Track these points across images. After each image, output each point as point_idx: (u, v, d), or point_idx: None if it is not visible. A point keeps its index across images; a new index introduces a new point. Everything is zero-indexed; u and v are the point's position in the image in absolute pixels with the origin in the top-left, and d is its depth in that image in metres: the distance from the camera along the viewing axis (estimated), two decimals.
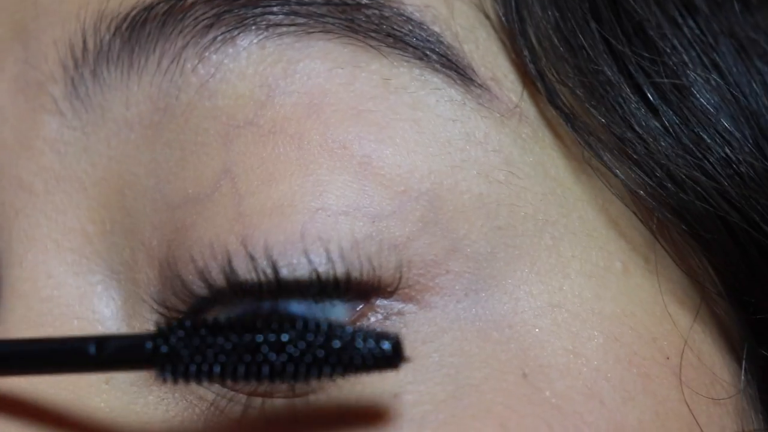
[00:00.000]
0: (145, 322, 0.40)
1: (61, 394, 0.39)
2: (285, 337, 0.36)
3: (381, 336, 0.36)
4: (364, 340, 0.36)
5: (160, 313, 0.40)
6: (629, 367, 0.39)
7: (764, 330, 0.40)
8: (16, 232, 0.41)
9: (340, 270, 0.38)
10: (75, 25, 0.41)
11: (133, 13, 0.40)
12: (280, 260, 0.38)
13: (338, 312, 0.38)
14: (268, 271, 0.38)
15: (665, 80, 0.41)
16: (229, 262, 0.38)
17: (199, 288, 0.39)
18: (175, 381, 0.36)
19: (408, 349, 0.37)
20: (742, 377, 0.40)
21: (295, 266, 0.38)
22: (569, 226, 0.40)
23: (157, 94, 0.40)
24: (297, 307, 0.38)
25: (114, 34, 0.40)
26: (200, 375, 0.36)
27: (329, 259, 0.38)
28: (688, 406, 0.39)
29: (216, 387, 0.39)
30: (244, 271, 0.38)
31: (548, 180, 0.40)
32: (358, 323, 0.38)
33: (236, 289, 0.38)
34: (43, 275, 0.40)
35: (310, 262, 0.38)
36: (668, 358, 0.39)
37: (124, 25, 0.40)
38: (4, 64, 0.42)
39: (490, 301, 0.39)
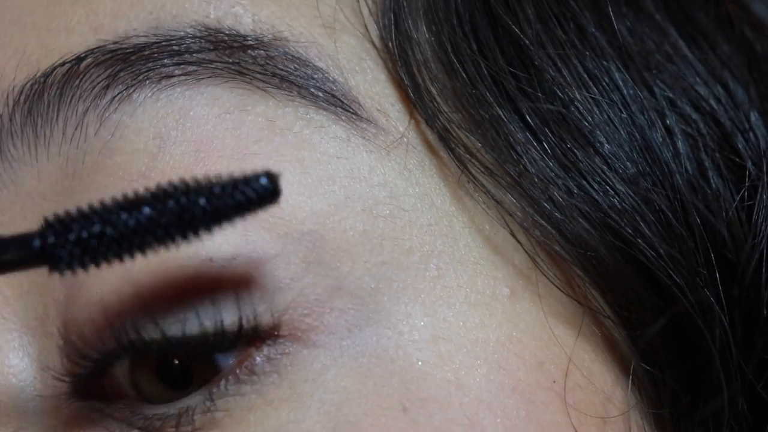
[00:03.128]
0: (57, 374, 0.41)
1: None
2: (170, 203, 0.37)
3: (256, 175, 0.37)
4: (244, 182, 0.37)
5: (68, 367, 0.41)
6: (513, 395, 0.40)
7: (647, 345, 0.41)
8: None
9: (227, 321, 0.39)
10: None
11: (28, 84, 0.42)
12: (169, 319, 0.39)
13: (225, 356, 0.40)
14: (156, 332, 0.39)
15: (543, 103, 0.41)
16: (117, 324, 0.40)
17: (91, 351, 0.40)
18: (70, 269, 0.37)
19: (291, 388, 0.39)
20: (630, 393, 0.41)
21: (183, 323, 0.39)
22: (455, 255, 0.41)
23: (65, 162, 0.41)
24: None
25: (13, 109, 0.42)
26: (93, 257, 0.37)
27: (216, 312, 0.39)
28: (575, 429, 0.40)
29: (114, 427, 0.40)
30: (132, 333, 0.39)
31: (434, 210, 0.41)
32: (243, 363, 0.40)
33: (126, 349, 0.40)
34: None
35: (197, 317, 0.39)
36: (555, 382, 0.40)
37: (21, 98, 0.42)
38: None
39: (374, 337, 0.40)
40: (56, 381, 0.41)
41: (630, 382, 0.41)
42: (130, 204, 0.37)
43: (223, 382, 0.40)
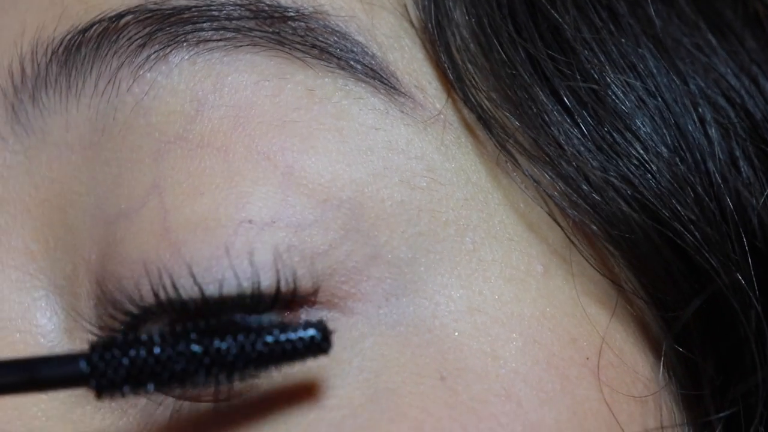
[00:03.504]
0: (86, 333, 0.41)
1: (2, 407, 0.40)
2: (218, 344, 0.37)
3: (308, 325, 0.37)
4: (294, 331, 0.37)
5: (99, 327, 0.41)
6: (548, 369, 0.40)
7: (680, 327, 0.41)
8: None
9: (265, 283, 0.39)
10: (12, 52, 0.42)
11: (68, 37, 0.41)
12: (206, 277, 0.39)
13: (264, 320, 0.40)
14: (194, 290, 0.39)
15: (580, 83, 0.42)
16: (156, 280, 0.39)
17: (130, 306, 0.40)
18: (112, 398, 0.37)
19: (329, 355, 0.38)
20: (661, 374, 0.41)
21: (220, 282, 0.39)
22: (490, 231, 0.41)
23: (96, 115, 0.41)
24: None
25: (51, 59, 0.42)
26: (137, 389, 0.37)
27: (254, 273, 0.39)
28: (608, 405, 0.40)
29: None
30: (171, 289, 0.39)
31: (470, 185, 0.41)
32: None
33: (165, 308, 0.39)
34: None
35: (236, 276, 0.39)
36: (588, 359, 0.40)
37: (60, 50, 0.41)
38: None
39: (410, 306, 0.40)
40: (85, 341, 0.41)
41: (662, 363, 0.41)
42: (179, 336, 0.37)
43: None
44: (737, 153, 0.43)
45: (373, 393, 0.39)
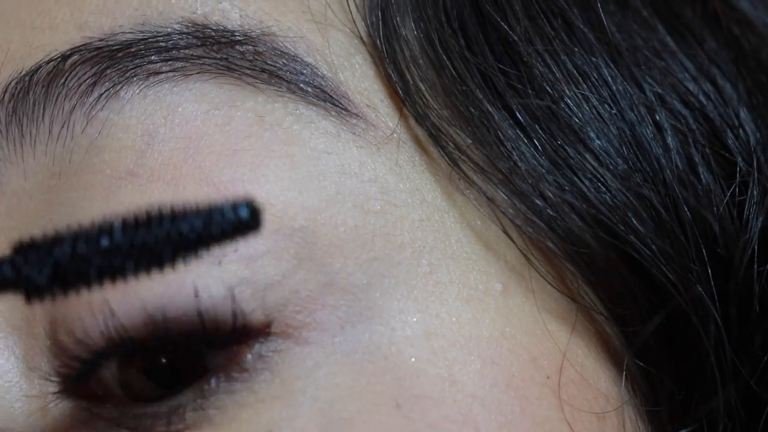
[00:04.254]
0: (44, 374, 0.41)
1: None
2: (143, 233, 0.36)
3: (236, 205, 0.36)
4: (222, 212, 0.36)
5: (56, 372, 0.41)
6: (507, 391, 0.39)
7: (640, 343, 0.41)
8: None
9: (218, 319, 0.39)
10: None
11: (13, 83, 0.41)
12: (157, 315, 0.39)
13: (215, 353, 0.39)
14: (147, 329, 0.39)
15: (532, 99, 0.41)
16: (106, 320, 0.39)
17: (81, 351, 0.40)
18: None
19: (283, 386, 0.38)
20: (623, 389, 0.41)
21: (175, 320, 0.39)
22: (447, 251, 0.41)
23: (52, 161, 0.41)
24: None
25: None
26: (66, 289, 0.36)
27: (207, 309, 0.39)
28: (569, 424, 0.40)
29: (102, 428, 0.40)
30: (121, 330, 0.39)
31: (425, 206, 0.41)
32: (234, 360, 0.39)
33: (116, 348, 0.39)
34: None
35: (186, 313, 0.39)
36: (548, 377, 0.40)
37: (6, 97, 0.41)
38: None
39: (366, 333, 0.40)
40: (43, 381, 0.41)
41: (624, 378, 0.41)
42: (103, 230, 0.36)
43: (214, 379, 0.39)
44: (696, 159, 0.43)
45: (326, 423, 0.38)
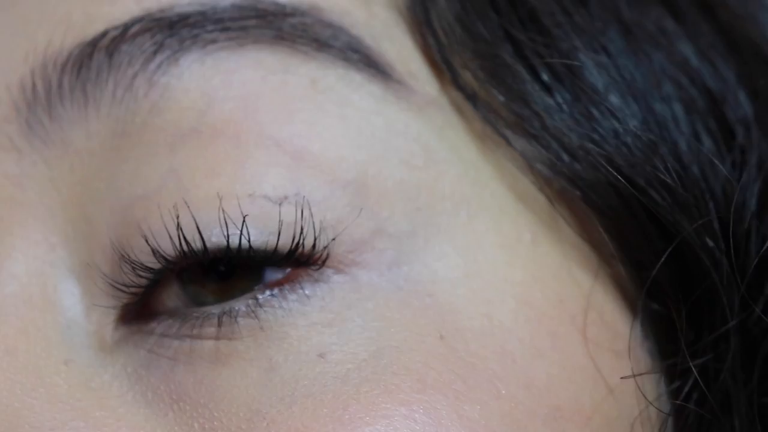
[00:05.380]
0: (104, 313, 0.44)
1: (23, 374, 0.43)
2: None
3: None
4: None
5: (117, 301, 0.44)
6: (538, 327, 0.44)
7: (653, 285, 0.45)
8: None
9: (273, 244, 0.43)
10: (23, 69, 0.45)
11: (77, 50, 0.44)
12: (224, 234, 0.43)
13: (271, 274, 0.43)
14: (219, 239, 0.43)
15: (557, 61, 0.46)
16: (178, 236, 0.43)
17: (150, 262, 0.43)
18: None
19: (334, 313, 0.43)
20: (638, 330, 0.45)
21: (238, 237, 0.43)
22: (483, 203, 0.45)
23: (115, 122, 0.44)
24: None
25: (62, 72, 0.44)
26: None
27: (267, 233, 0.43)
28: (593, 360, 0.44)
29: (151, 343, 0.43)
30: (193, 241, 0.43)
31: (462, 162, 0.45)
32: (291, 279, 0.43)
33: (186, 258, 0.43)
34: (5, 276, 0.44)
35: (251, 235, 0.43)
36: (574, 317, 0.44)
37: (70, 63, 0.44)
38: None
39: (411, 274, 0.43)
40: (104, 314, 0.44)
41: (638, 318, 0.45)
42: None
43: (268, 292, 0.43)
44: (698, 127, 0.47)
45: (375, 350, 0.42)
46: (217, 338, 0.43)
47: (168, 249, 0.43)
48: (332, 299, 0.43)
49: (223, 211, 0.42)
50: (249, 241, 0.42)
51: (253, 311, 0.43)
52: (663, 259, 0.44)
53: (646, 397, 0.44)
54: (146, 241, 0.43)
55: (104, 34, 0.45)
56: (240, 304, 0.43)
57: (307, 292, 0.43)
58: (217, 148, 0.44)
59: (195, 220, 0.43)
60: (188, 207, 0.43)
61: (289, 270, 0.43)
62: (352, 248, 0.43)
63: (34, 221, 0.45)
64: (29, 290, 0.44)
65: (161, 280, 0.44)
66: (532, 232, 0.45)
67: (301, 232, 0.43)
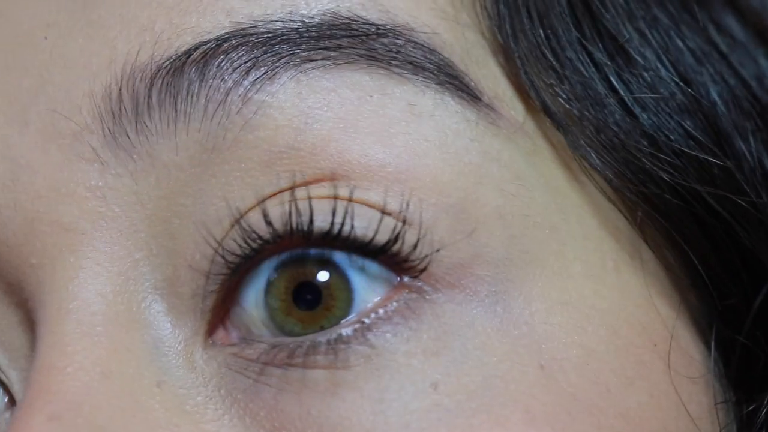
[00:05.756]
0: (190, 328, 0.44)
1: (120, 398, 0.43)
2: None
3: None
4: None
5: (202, 318, 0.44)
6: (627, 356, 0.44)
7: (730, 314, 0.47)
8: (61, 264, 0.44)
9: (378, 237, 0.43)
10: (107, 77, 0.44)
11: (167, 64, 0.44)
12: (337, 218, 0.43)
13: (373, 270, 0.44)
14: (324, 225, 0.43)
15: (646, 96, 0.46)
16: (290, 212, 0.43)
17: (262, 231, 0.43)
18: None
19: (438, 340, 0.43)
20: (711, 356, 0.47)
21: (343, 224, 0.43)
22: (570, 231, 0.46)
23: (206, 137, 0.44)
24: (339, 256, 0.44)
25: (151, 85, 0.43)
26: None
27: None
28: (674, 386, 0.45)
29: (252, 368, 0.43)
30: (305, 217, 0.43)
31: (549, 189, 0.46)
32: (390, 302, 0.43)
33: (293, 234, 0.43)
34: (91, 294, 0.43)
35: (353, 227, 0.43)
36: (656, 345, 0.45)
37: (159, 75, 0.43)
38: (28, 115, 0.45)
39: (508, 301, 0.44)
40: (191, 333, 0.44)
41: (712, 346, 0.47)
42: None
43: (374, 314, 0.43)
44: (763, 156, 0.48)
45: (482, 380, 0.42)
46: (327, 368, 0.42)
47: (278, 222, 0.43)
48: (438, 324, 0.43)
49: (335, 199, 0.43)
50: (353, 227, 0.43)
51: (362, 335, 0.43)
52: (754, 305, 0.46)
53: (720, 425, 0.46)
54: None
55: (196, 47, 0.44)
56: (347, 329, 0.43)
57: (411, 307, 0.43)
58: (317, 165, 0.43)
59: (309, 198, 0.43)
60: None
61: (393, 282, 0.43)
62: (452, 271, 0.44)
63: (118, 235, 0.44)
64: (116, 308, 0.44)
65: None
66: (614, 260, 0.46)
67: (403, 243, 0.43)
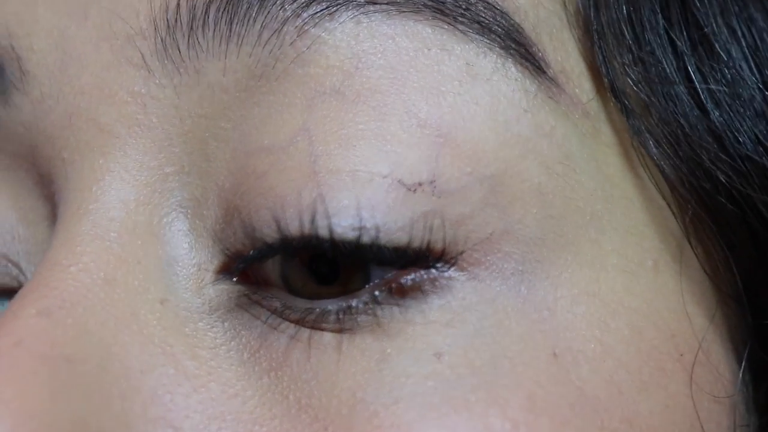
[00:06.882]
0: (207, 254, 0.43)
1: (119, 308, 0.42)
2: None
3: None
4: None
5: (224, 250, 0.43)
6: (648, 361, 0.42)
7: (767, 334, 0.44)
8: (90, 163, 0.43)
9: (400, 241, 0.41)
10: None
11: None
12: (350, 223, 0.41)
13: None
14: (336, 231, 0.41)
15: (722, 89, 0.44)
16: (299, 217, 0.41)
17: (270, 235, 0.42)
18: None
19: (452, 313, 0.41)
20: (740, 377, 0.44)
21: (360, 231, 0.41)
22: (612, 222, 0.44)
23: (255, 63, 0.42)
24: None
25: (210, 0, 0.42)
26: None
27: (398, 230, 0.41)
28: (693, 401, 0.43)
29: (265, 316, 0.42)
30: (321, 225, 0.41)
31: (600, 175, 0.44)
32: (408, 276, 0.42)
33: (303, 242, 0.41)
34: (113, 199, 0.43)
35: (377, 228, 0.41)
36: (682, 355, 0.43)
37: None
38: (89, 10, 0.44)
39: (533, 283, 0.42)
40: (206, 259, 0.43)
41: (742, 365, 0.44)
42: None
43: (386, 290, 0.41)
44: None
45: (490, 358, 0.41)
46: (335, 331, 0.41)
47: (292, 227, 0.41)
48: (453, 298, 0.42)
49: (357, 198, 0.41)
50: (378, 236, 0.41)
51: (372, 311, 0.41)
52: None
53: None
54: (260, 214, 0.42)
55: None
56: (358, 301, 0.42)
57: (426, 287, 0.42)
58: (357, 117, 0.42)
59: (325, 202, 0.41)
60: (317, 183, 0.41)
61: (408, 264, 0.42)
62: (478, 246, 0.42)
63: (152, 146, 0.43)
64: (135, 218, 0.43)
65: (264, 257, 0.42)
66: (654, 259, 0.44)
67: (431, 232, 0.41)
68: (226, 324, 0.42)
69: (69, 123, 0.44)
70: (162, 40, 0.43)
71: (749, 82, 0.45)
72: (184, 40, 0.43)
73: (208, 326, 0.42)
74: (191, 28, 0.43)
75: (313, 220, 0.41)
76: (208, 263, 0.43)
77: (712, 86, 0.44)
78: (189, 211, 0.43)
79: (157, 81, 0.43)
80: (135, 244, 0.43)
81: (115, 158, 0.43)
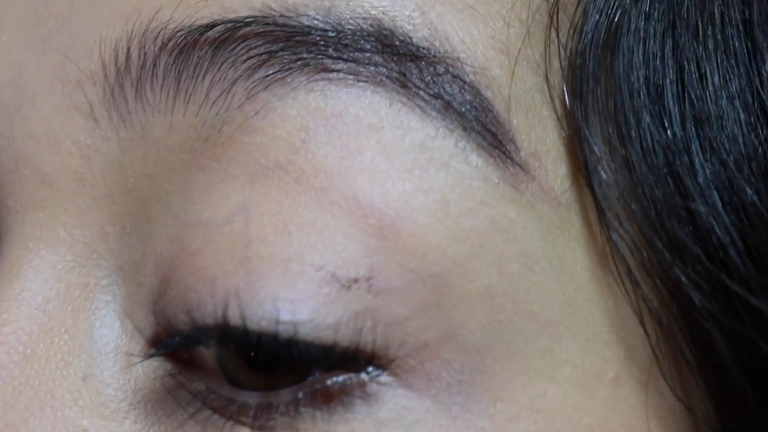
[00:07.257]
0: (140, 326, 0.41)
1: (34, 388, 0.40)
2: None
3: None
4: None
5: (151, 338, 0.41)
6: None
7: None
8: (30, 217, 0.41)
9: (327, 340, 0.38)
10: (122, 29, 0.40)
11: (182, 33, 0.40)
12: (277, 315, 0.38)
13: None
14: (262, 324, 0.38)
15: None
16: (226, 305, 0.39)
17: (201, 319, 0.39)
18: None
19: (377, 425, 0.38)
20: None
21: (293, 326, 0.38)
22: (571, 328, 0.40)
23: (201, 124, 0.40)
24: None
25: (161, 50, 0.40)
26: None
27: (327, 328, 0.38)
28: None
29: (186, 401, 0.40)
30: (236, 318, 0.39)
31: (563, 275, 0.40)
32: (335, 378, 0.39)
33: (225, 334, 0.39)
34: (48, 261, 0.41)
35: (305, 325, 0.38)
36: None
37: (171, 44, 0.40)
38: (48, 44, 0.42)
39: (471, 396, 0.39)
40: (137, 333, 0.41)
41: None
42: None
43: (309, 390, 0.39)
44: None
45: None
46: (252, 427, 0.39)
47: (208, 317, 0.39)
48: (380, 408, 0.39)
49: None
50: (299, 336, 0.38)
51: (290, 414, 0.39)
52: None
53: None
54: (187, 296, 0.39)
55: (214, 24, 0.40)
56: (279, 401, 0.39)
57: (354, 392, 0.39)
58: (297, 198, 0.39)
59: (242, 309, 0.39)
60: (247, 270, 0.38)
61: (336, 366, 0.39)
62: (414, 353, 0.39)
63: (93, 203, 0.41)
64: (68, 281, 0.41)
65: (196, 341, 0.40)
66: (617, 371, 0.40)
67: (360, 334, 0.38)
68: (148, 407, 0.40)
69: (16, 168, 0.42)
70: (111, 88, 0.41)
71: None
72: (132, 89, 0.40)
73: (130, 407, 0.40)
74: (140, 77, 0.40)
75: (234, 309, 0.39)
76: (139, 337, 0.41)
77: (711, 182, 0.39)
78: (127, 275, 0.41)
79: (103, 133, 0.41)
80: (65, 310, 0.41)
81: (54, 214, 0.41)
